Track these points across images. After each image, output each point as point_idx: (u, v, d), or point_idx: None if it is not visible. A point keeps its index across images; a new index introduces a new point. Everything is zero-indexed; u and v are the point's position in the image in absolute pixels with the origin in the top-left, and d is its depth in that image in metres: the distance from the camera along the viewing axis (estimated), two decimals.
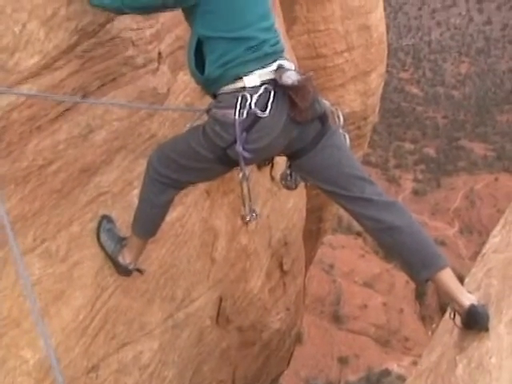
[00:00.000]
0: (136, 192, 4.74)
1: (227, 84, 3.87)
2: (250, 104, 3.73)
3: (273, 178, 7.10)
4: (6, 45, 3.51)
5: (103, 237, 4.57)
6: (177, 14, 4.76)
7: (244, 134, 3.77)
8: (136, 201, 4.66)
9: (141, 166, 4.79)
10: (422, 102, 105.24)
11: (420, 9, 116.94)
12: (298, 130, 3.94)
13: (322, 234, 13.32)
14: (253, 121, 3.76)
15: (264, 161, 4.41)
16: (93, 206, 4.45)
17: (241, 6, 3.85)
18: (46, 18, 3.73)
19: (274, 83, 3.80)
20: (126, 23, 4.41)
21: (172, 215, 5.18)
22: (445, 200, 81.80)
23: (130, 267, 4.68)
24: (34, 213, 3.94)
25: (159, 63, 4.91)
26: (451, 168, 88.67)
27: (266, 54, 3.88)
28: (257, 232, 6.82)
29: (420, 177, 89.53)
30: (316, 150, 4.02)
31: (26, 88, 3.70)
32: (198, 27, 3.90)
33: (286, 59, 4.02)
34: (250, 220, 4.53)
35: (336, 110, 4.14)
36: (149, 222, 4.54)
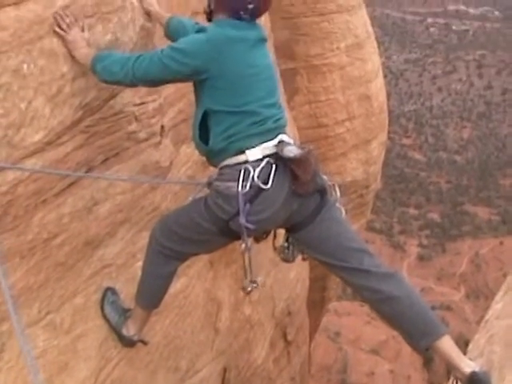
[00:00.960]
0: (139, 264, 4.75)
1: (230, 157, 3.97)
2: (253, 176, 3.81)
3: (275, 248, 7.08)
4: (12, 121, 3.56)
5: (107, 309, 4.57)
6: (180, 88, 4.86)
7: (247, 205, 3.84)
8: (139, 273, 4.68)
9: (144, 239, 4.81)
10: (425, 167, 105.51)
11: (421, 75, 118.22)
12: (298, 203, 4.01)
13: (326, 302, 13.25)
14: (255, 193, 3.84)
15: (263, 234, 4.38)
16: (97, 278, 4.47)
17: (249, 83, 3.98)
18: (51, 94, 3.80)
19: (276, 157, 3.89)
20: (129, 98, 4.49)
21: (175, 286, 5.19)
22: (450, 265, 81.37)
23: (134, 338, 4.68)
24: (39, 285, 3.96)
25: (162, 137, 4.96)
26: (456, 233, 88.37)
27: (268, 130, 4.00)
28: (260, 302, 6.80)
29: (425, 242, 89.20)
30: (315, 222, 4.09)
31: (31, 163, 3.74)
32: (205, 100, 4.02)
33: (286, 134, 4.13)
34: (250, 290, 4.56)
35: (333, 184, 4.21)
36: (152, 293, 4.56)
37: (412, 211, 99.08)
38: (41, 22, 3.70)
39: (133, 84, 4.10)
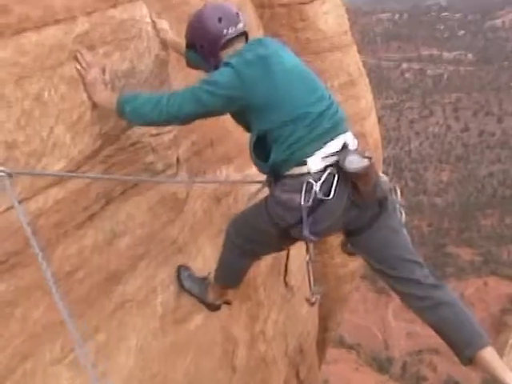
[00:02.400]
0: (160, 300, 4.74)
1: (292, 167, 3.96)
2: (316, 190, 3.81)
3: (287, 284, 6.99)
4: (34, 149, 3.45)
5: (187, 283, 4.94)
6: None
7: (309, 217, 3.87)
8: (160, 309, 4.71)
9: (163, 273, 4.78)
10: (406, 211, 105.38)
11: (398, 120, 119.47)
12: (357, 211, 4.01)
13: (327, 344, 13.11)
14: (317, 205, 3.85)
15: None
16: (118, 314, 4.31)
17: (285, 91, 3.96)
18: (71, 122, 3.71)
19: (338, 166, 3.86)
20: (145, 129, 4.39)
21: (195, 322, 5.10)
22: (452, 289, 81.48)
23: (218, 303, 5.12)
24: (60, 321, 3.79)
25: (178, 169, 4.86)
26: (440, 274, 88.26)
27: (325, 131, 3.97)
28: (274, 339, 6.66)
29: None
30: (371, 230, 4.09)
31: (53, 193, 3.63)
32: (254, 125, 4.07)
33: (349, 132, 4.11)
34: (314, 301, 4.60)
35: (394, 186, 4.21)
36: (229, 279, 4.93)
37: None
38: (61, 48, 3.63)
39: (166, 123, 4.11)
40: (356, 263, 12.16)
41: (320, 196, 3.81)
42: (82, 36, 3.77)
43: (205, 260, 5.32)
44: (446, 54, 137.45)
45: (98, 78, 3.86)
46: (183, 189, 4.92)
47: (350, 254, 4.45)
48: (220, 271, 4.84)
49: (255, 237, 4.37)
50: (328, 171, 3.86)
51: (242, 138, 6.20)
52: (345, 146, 3.97)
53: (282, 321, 6.94)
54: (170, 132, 4.70)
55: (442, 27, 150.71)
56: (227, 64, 4.02)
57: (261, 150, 4.10)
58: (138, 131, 4.33)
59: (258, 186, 4.61)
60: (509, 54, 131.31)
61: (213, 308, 5.09)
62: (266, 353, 6.49)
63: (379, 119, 13.47)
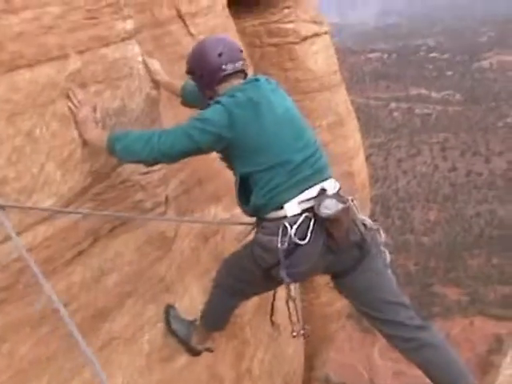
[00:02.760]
0: (147, 338, 4.72)
1: (271, 211, 4.03)
2: (291, 234, 3.85)
3: (273, 323, 6.96)
4: (24, 186, 3.48)
5: (174, 324, 4.95)
6: None
7: (285, 259, 3.91)
8: (147, 347, 4.69)
9: (150, 311, 4.77)
10: (392, 250, 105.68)
11: (386, 159, 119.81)
12: (333, 256, 4.04)
13: (312, 383, 13.05)
14: (293, 248, 3.89)
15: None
16: (105, 351, 4.30)
17: (272, 135, 4.02)
18: (62, 159, 3.74)
19: (314, 211, 3.90)
20: (135, 167, 4.41)
21: (181, 361, 5.07)
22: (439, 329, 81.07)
23: (200, 348, 5.10)
24: (48, 357, 3.81)
25: (166, 207, 4.87)
26: (426, 314, 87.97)
27: (305, 178, 4.02)
28: (260, 378, 6.62)
29: None
30: (355, 273, 4.12)
31: (42, 230, 3.65)
32: (237, 166, 4.15)
33: (330, 180, 4.15)
34: (299, 335, 4.63)
35: (378, 227, 4.22)
36: (216, 321, 4.94)
37: None
38: (54, 86, 3.68)
39: (155, 161, 4.10)
40: (342, 302, 12.13)
41: (295, 240, 3.85)
42: (75, 74, 3.81)
43: (191, 299, 5.32)
44: (434, 94, 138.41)
45: (88, 116, 3.90)
46: (171, 227, 4.92)
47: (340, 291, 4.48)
48: (208, 313, 4.86)
49: (244, 277, 4.40)
50: (304, 215, 3.91)
51: (231, 177, 6.23)
52: (323, 191, 4.01)
53: (268, 360, 6.90)
54: (159, 170, 4.71)
55: (430, 67, 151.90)
56: (218, 102, 4.07)
57: (244, 192, 4.18)
58: (128, 169, 4.35)
59: (248, 227, 4.64)
60: (496, 94, 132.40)
61: (194, 353, 5.09)
62: None
63: (367, 158, 13.54)
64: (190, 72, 4.43)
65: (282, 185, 3.98)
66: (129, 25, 4.32)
